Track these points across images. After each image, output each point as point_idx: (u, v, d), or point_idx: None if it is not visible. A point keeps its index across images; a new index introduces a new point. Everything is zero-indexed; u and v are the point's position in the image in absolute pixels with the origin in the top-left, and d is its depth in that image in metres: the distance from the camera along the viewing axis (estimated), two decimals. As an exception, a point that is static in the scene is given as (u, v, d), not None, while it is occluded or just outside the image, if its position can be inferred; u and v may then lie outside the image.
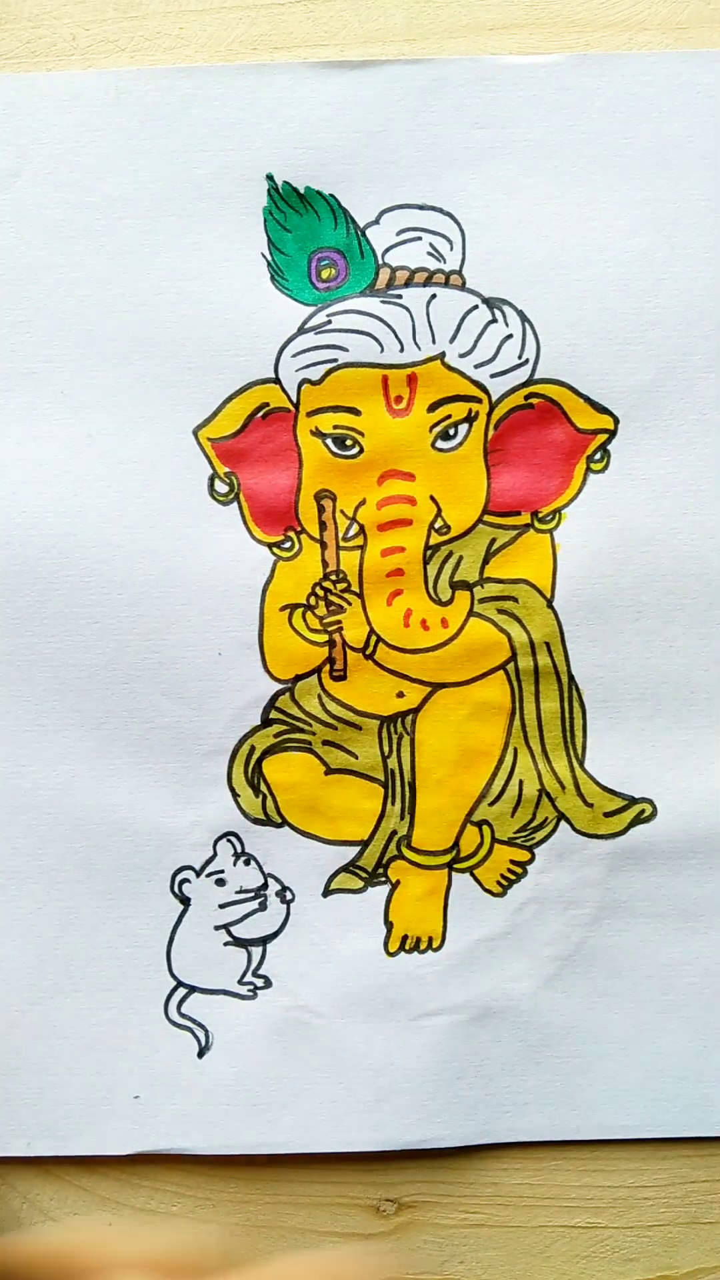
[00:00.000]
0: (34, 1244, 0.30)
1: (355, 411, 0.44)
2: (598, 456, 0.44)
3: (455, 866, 0.44)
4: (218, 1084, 0.44)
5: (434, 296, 0.43)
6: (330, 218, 0.44)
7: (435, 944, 0.44)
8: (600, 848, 0.44)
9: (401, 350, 0.43)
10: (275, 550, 0.44)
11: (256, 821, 0.44)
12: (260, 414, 0.44)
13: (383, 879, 0.44)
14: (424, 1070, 0.44)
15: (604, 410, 0.44)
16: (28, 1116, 0.44)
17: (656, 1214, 0.44)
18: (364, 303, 0.43)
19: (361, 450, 0.44)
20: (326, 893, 0.44)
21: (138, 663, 0.44)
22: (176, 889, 0.44)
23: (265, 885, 0.44)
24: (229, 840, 0.44)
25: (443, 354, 0.43)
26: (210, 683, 0.44)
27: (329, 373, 0.44)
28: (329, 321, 0.44)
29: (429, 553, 0.44)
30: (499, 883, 0.44)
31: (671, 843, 0.44)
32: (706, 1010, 0.44)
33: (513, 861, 0.44)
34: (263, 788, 0.44)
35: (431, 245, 0.44)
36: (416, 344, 0.43)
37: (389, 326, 0.43)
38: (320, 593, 0.44)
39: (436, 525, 0.44)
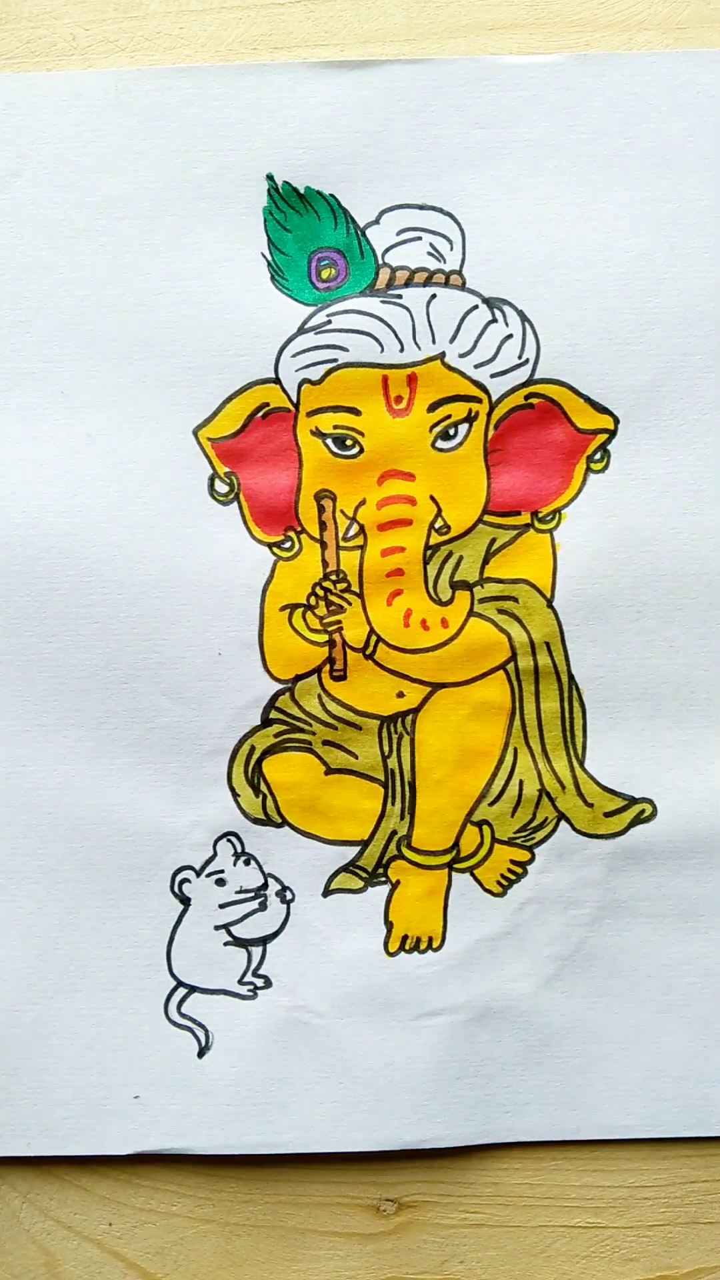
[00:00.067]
0: None
1: (355, 411, 0.44)
2: (598, 456, 0.44)
3: (455, 866, 0.44)
4: (218, 1084, 0.44)
5: (434, 296, 0.43)
6: (330, 218, 0.44)
7: (435, 944, 0.44)
8: (600, 848, 0.44)
9: (401, 350, 0.43)
10: (275, 550, 0.44)
11: (256, 821, 0.44)
12: (260, 414, 0.44)
13: (383, 879, 0.44)
14: (424, 1070, 0.44)
15: (604, 410, 0.44)
16: (28, 1116, 0.44)
17: (656, 1214, 0.44)
18: (364, 303, 0.43)
19: (361, 450, 0.44)
20: (326, 893, 0.44)
21: (138, 663, 0.44)
22: (176, 889, 0.44)
23: (265, 885, 0.44)
24: (229, 840, 0.44)
25: (443, 354, 0.43)
26: (210, 683, 0.44)
27: (329, 373, 0.44)
28: (329, 321, 0.44)
29: (429, 553, 0.44)
30: (499, 883, 0.44)
31: (671, 843, 0.44)
32: (706, 1010, 0.44)
33: (513, 861, 0.44)
34: (263, 788, 0.44)
35: (431, 245, 0.44)
36: (416, 344, 0.43)
37: (389, 326, 0.43)
38: (320, 593, 0.44)
39: (436, 525, 0.44)
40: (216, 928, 0.44)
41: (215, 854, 0.44)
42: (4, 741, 0.44)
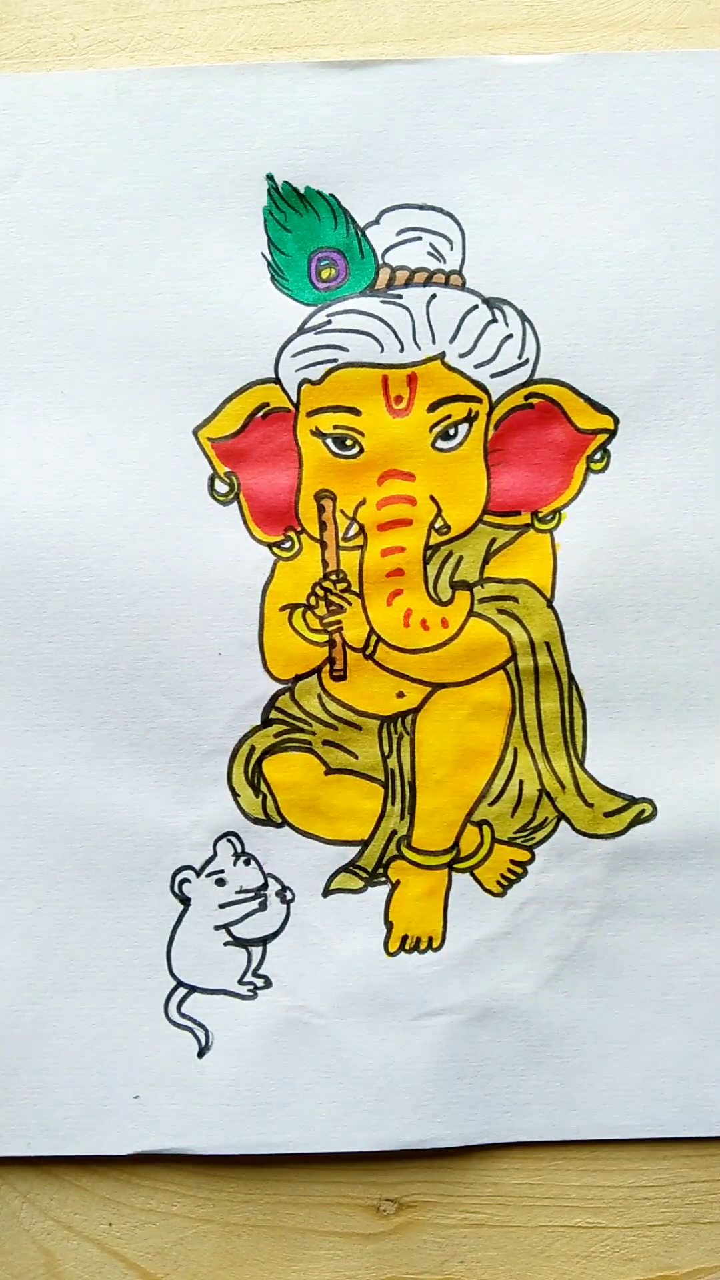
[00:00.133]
0: None
1: (355, 411, 0.44)
2: (598, 456, 0.44)
3: (455, 866, 0.44)
4: (218, 1084, 0.44)
5: (434, 296, 0.43)
6: (330, 218, 0.44)
7: (435, 944, 0.44)
8: (600, 848, 0.44)
9: (401, 350, 0.43)
10: (275, 550, 0.44)
11: (256, 821, 0.44)
12: (260, 414, 0.44)
13: (383, 879, 0.44)
14: (424, 1070, 0.44)
15: (604, 410, 0.44)
16: (28, 1116, 0.44)
17: (656, 1214, 0.44)
18: (364, 303, 0.43)
19: (361, 450, 0.44)
20: (326, 893, 0.44)
21: (138, 663, 0.44)
22: (176, 889, 0.44)
23: (265, 885, 0.44)
24: (229, 840, 0.44)
25: (443, 354, 0.43)
26: (210, 683, 0.44)
27: (329, 373, 0.44)
28: (329, 321, 0.44)
29: (429, 553, 0.44)
30: (499, 883, 0.44)
31: (671, 843, 0.44)
32: (706, 1010, 0.44)
33: (513, 861, 0.44)
34: (263, 788, 0.44)
35: (431, 245, 0.44)
36: (416, 344, 0.43)
37: (389, 326, 0.43)
38: (320, 593, 0.44)
39: (436, 525, 0.44)
40: (216, 928, 0.44)
41: (215, 854, 0.44)
42: (4, 741, 0.44)
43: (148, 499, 0.44)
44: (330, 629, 0.44)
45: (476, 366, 0.44)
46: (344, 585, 0.44)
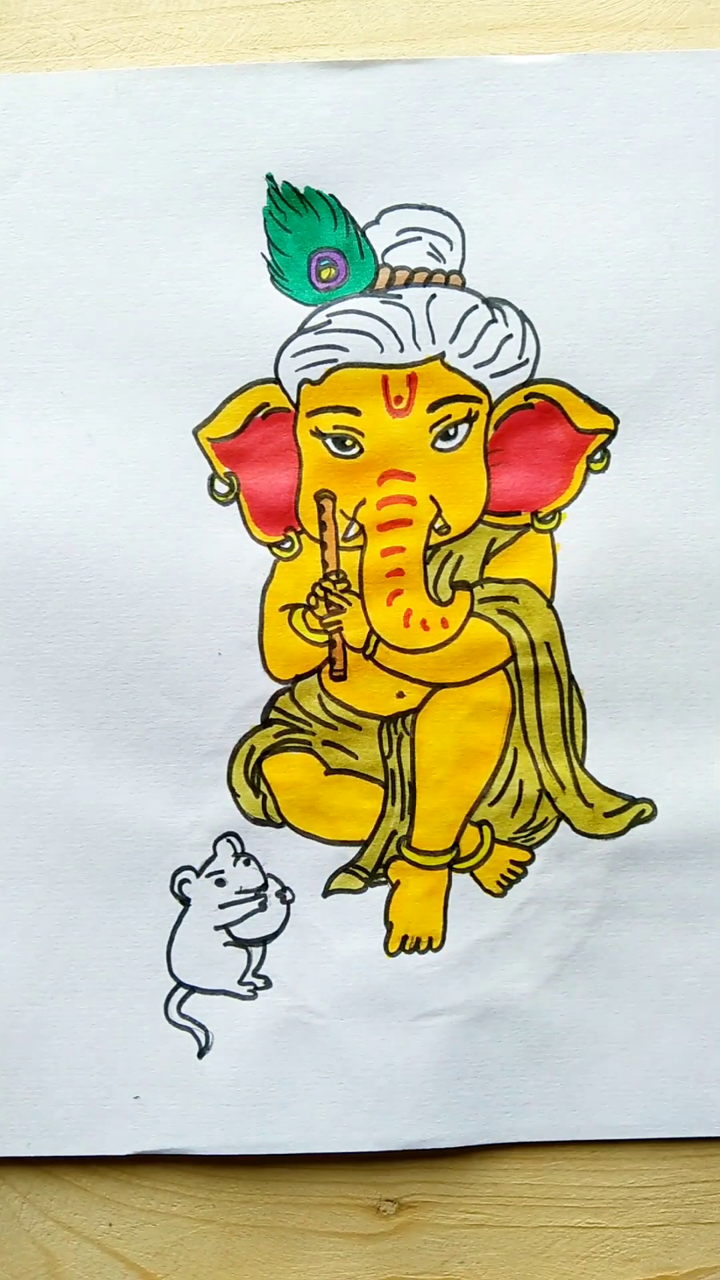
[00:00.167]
0: None
1: (355, 411, 0.44)
2: (598, 456, 0.44)
3: (455, 867, 0.44)
4: (218, 1084, 0.44)
5: (434, 296, 0.43)
6: (330, 218, 0.44)
7: (435, 944, 0.44)
8: (600, 848, 0.44)
9: (401, 350, 0.43)
10: (275, 550, 0.44)
11: (256, 821, 0.44)
12: (260, 414, 0.44)
13: (383, 879, 0.44)
14: (424, 1070, 0.44)
15: (604, 410, 0.44)
16: (28, 1116, 0.44)
17: (656, 1214, 0.44)
18: (364, 303, 0.43)
19: (361, 450, 0.44)
20: (326, 893, 0.44)
21: (138, 663, 0.44)
22: (176, 889, 0.44)
23: (265, 885, 0.44)
24: (229, 840, 0.44)
25: (443, 354, 0.43)
26: (210, 683, 0.44)
27: (329, 373, 0.44)
28: (329, 321, 0.44)
29: (429, 553, 0.44)
30: (499, 883, 0.44)
31: (671, 843, 0.44)
32: (706, 1010, 0.44)
33: (513, 861, 0.44)
34: (263, 788, 0.44)
35: (431, 245, 0.44)
36: (416, 344, 0.43)
37: (389, 326, 0.43)
38: (320, 593, 0.44)
39: (436, 525, 0.44)
40: (216, 928, 0.44)
41: (215, 854, 0.44)
42: (4, 741, 0.44)
43: (148, 499, 0.44)
44: (330, 629, 0.44)
45: (476, 366, 0.44)
46: (344, 585, 0.44)
